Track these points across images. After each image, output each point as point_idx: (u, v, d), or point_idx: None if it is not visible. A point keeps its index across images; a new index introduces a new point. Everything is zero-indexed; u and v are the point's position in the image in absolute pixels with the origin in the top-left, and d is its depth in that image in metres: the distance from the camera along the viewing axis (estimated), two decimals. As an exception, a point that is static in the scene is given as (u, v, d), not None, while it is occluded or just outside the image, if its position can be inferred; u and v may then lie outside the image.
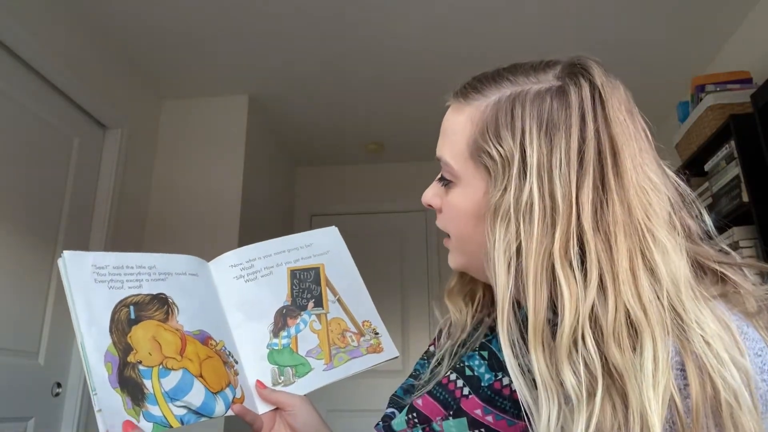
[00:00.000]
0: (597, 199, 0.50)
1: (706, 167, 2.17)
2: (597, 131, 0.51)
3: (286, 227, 3.62)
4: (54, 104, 2.25)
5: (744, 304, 0.51)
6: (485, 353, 0.56)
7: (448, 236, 0.63)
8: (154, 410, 0.65)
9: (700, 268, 0.53)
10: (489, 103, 0.56)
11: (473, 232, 0.57)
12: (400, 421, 0.56)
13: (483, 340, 0.59)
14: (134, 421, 0.63)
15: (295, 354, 0.81)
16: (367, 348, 0.84)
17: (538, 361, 0.47)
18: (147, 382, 0.67)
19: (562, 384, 0.46)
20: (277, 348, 0.80)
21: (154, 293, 0.74)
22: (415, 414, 0.55)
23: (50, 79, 2.19)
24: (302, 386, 0.79)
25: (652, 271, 0.48)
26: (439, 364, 0.66)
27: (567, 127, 0.51)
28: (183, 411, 0.67)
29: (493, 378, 0.53)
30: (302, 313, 0.84)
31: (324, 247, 0.91)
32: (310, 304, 0.85)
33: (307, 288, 0.86)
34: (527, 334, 0.49)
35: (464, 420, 0.51)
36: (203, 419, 0.69)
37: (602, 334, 0.46)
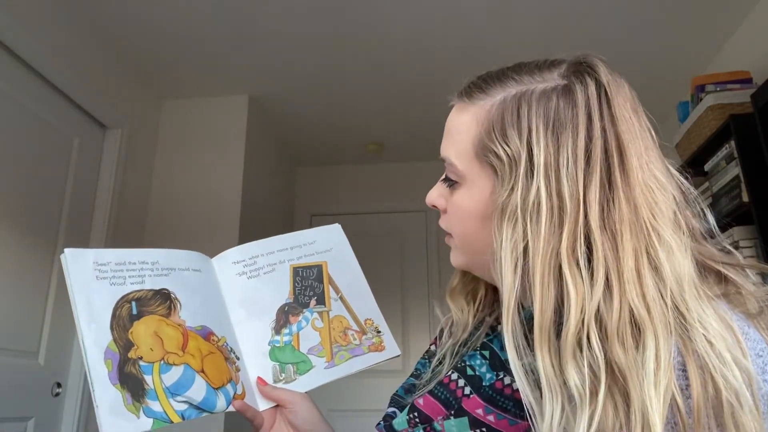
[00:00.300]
0: (604, 198, 0.50)
1: (706, 167, 2.17)
2: (603, 130, 0.51)
3: (286, 227, 3.62)
4: (54, 104, 2.25)
5: (745, 304, 0.51)
6: (486, 353, 0.56)
7: (451, 234, 0.63)
8: (155, 405, 0.65)
9: (703, 268, 0.52)
10: (494, 103, 0.56)
11: (478, 232, 0.57)
12: (401, 420, 0.56)
13: (484, 340, 0.59)
14: (134, 416, 0.64)
15: (297, 351, 0.81)
16: (369, 346, 0.84)
17: (543, 360, 0.47)
18: (148, 378, 0.67)
19: (565, 383, 0.46)
20: (278, 345, 0.80)
21: (157, 288, 0.74)
22: (416, 413, 0.55)
23: (50, 79, 2.19)
24: (303, 384, 0.79)
25: (656, 270, 0.48)
26: (441, 363, 0.66)
27: (574, 125, 0.51)
28: (184, 406, 0.67)
29: (495, 377, 0.53)
30: (304, 310, 0.84)
31: (327, 244, 0.91)
32: (313, 302, 0.85)
33: (309, 285, 0.86)
34: (530, 333, 0.49)
35: (465, 419, 0.51)
36: (204, 414, 0.69)
37: (606, 333, 0.46)
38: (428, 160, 3.58)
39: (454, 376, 0.55)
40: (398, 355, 0.84)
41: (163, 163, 2.92)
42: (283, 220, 3.60)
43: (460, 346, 0.65)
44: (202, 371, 0.71)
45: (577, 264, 0.48)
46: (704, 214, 0.56)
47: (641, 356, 0.45)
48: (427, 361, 0.69)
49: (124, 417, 0.63)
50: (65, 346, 2.23)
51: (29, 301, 2.07)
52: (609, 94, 0.52)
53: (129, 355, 0.67)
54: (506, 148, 0.53)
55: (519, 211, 0.51)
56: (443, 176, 0.62)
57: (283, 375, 0.78)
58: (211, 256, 0.85)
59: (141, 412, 0.64)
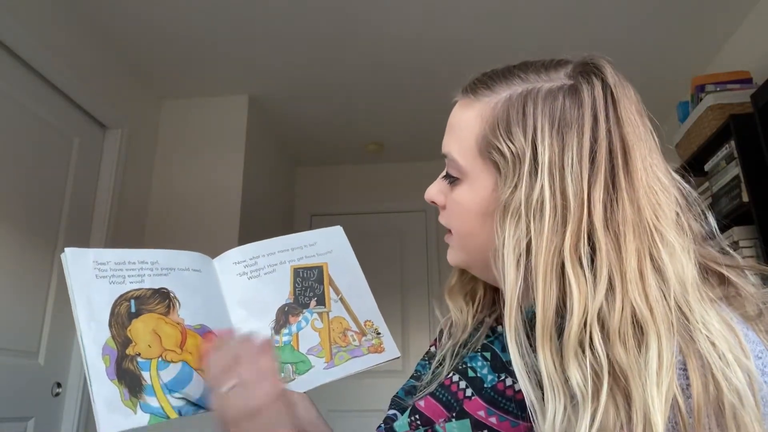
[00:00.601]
0: (607, 198, 0.50)
1: (706, 167, 2.17)
2: (609, 131, 0.51)
3: (286, 227, 3.62)
4: (54, 104, 2.25)
5: (744, 307, 0.51)
6: (487, 354, 0.55)
7: (450, 232, 0.62)
8: (152, 401, 0.66)
9: (704, 270, 0.53)
10: (500, 100, 0.55)
11: (478, 230, 0.57)
12: (402, 423, 0.55)
13: (485, 341, 0.59)
14: (131, 411, 0.64)
15: (296, 351, 0.81)
16: (369, 348, 0.84)
17: (545, 359, 0.47)
18: (145, 374, 0.67)
19: (567, 382, 0.46)
20: (278, 345, 0.81)
21: (156, 287, 0.75)
22: (417, 416, 0.55)
23: (50, 79, 2.19)
24: (302, 384, 0.79)
25: (659, 271, 0.48)
26: (441, 364, 0.65)
27: (579, 125, 0.51)
28: (181, 402, 0.68)
29: (496, 379, 0.53)
30: (304, 311, 0.84)
31: (328, 246, 0.91)
32: (313, 303, 0.85)
33: (309, 286, 0.87)
34: (532, 333, 0.49)
35: (467, 421, 0.51)
36: (201, 411, 0.69)
37: (608, 333, 0.46)
38: (428, 160, 3.57)
39: (455, 377, 0.55)
40: (398, 357, 0.84)
41: (163, 163, 2.92)
42: (283, 220, 3.60)
43: (460, 347, 0.65)
44: (200, 369, 0.71)
45: (581, 263, 0.48)
46: (705, 216, 0.56)
47: (644, 357, 0.45)
48: (427, 362, 0.69)
49: (121, 412, 0.64)
50: (65, 346, 2.23)
51: (29, 301, 2.07)
52: (615, 95, 0.52)
53: (127, 351, 0.68)
54: (510, 145, 0.53)
55: (522, 208, 0.51)
56: (444, 172, 0.62)
57: (282, 375, 0.78)
58: (212, 256, 0.85)
59: (138, 407, 0.65)
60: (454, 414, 0.52)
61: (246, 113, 2.95)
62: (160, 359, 0.69)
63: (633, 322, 0.46)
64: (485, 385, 0.53)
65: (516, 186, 0.52)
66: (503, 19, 2.37)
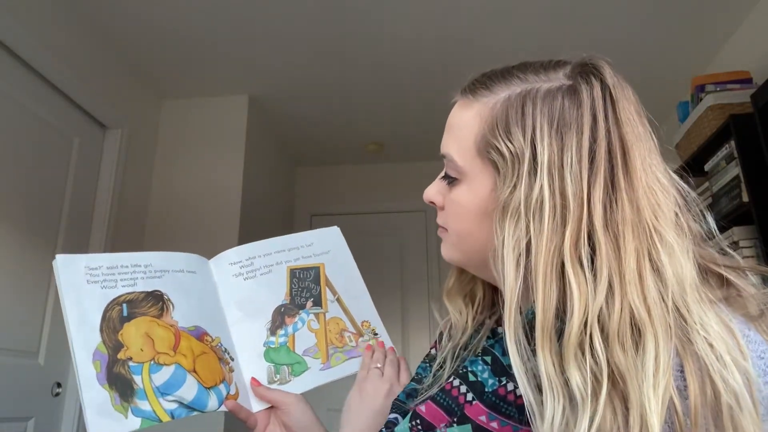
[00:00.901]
0: (607, 199, 0.50)
1: (706, 167, 2.17)
2: (608, 131, 0.51)
3: (286, 227, 3.62)
4: (54, 104, 2.25)
5: (746, 307, 0.51)
6: (488, 358, 0.55)
7: (445, 228, 0.62)
8: (143, 405, 0.66)
9: (704, 272, 0.52)
10: (498, 100, 0.55)
11: (476, 230, 0.57)
12: (403, 428, 0.55)
13: (486, 345, 0.59)
14: (122, 416, 0.64)
15: (292, 352, 0.81)
16: (365, 348, 0.84)
17: (544, 360, 0.46)
18: (137, 378, 0.67)
19: (567, 383, 0.46)
20: (273, 346, 0.80)
21: (149, 290, 0.74)
22: (418, 421, 0.54)
23: (50, 79, 2.19)
24: (298, 385, 0.79)
25: (658, 272, 0.48)
26: (441, 367, 0.65)
27: (578, 126, 0.51)
28: (174, 405, 0.68)
29: (497, 384, 0.53)
30: (300, 311, 0.84)
31: (325, 246, 0.91)
32: (309, 303, 0.85)
33: (306, 287, 0.86)
34: (531, 334, 0.48)
35: (469, 427, 0.51)
36: (195, 413, 0.69)
37: (607, 334, 0.46)
38: (428, 160, 3.57)
39: (456, 382, 0.55)
40: None
41: (163, 163, 2.92)
42: (283, 220, 3.60)
43: (460, 349, 0.65)
44: (194, 371, 0.71)
45: (581, 263, 0.48)
46: (704, 216, 0.56)
47: (641, 358, 0.44)
48: (427, 365, 0.69)
49: (112, 417, 0.64)
50: (65, 346, 2.21)
51: (29, 301, 2.07)
52: (614, 96, 0.52)
53: (118, 356, 0.68)
54: (509, 145, 0.53)
55: (522, 208, 0.51)
56: (442, 173, 0.62)
57: (278, 376, 0.78)
58: (211, 255, 0.85)
59: (129, 411, 0.65)
60: (455, 419, 0.52)
61: (246, 113, 2.95)
62: (152, 362, 0.69)
63: (631, 324, 0.46)
64: (486, 390, 0.53)
65: (515, 186, 0.52)
66: (503, 20, 2.37)
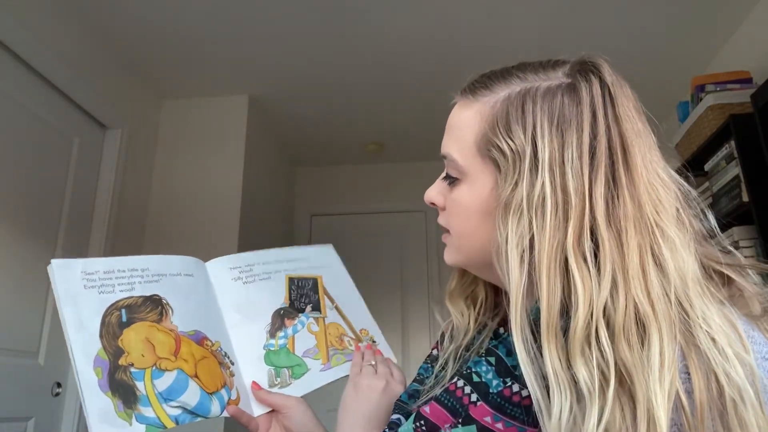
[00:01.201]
0: (608, 195, 0.50)
1: (706, 167, 2.17)
2: (608, 128, 0.52)
3: (286, 227, 3.62)
4: (54, 104, 2.25)
5: (748, 306, 0.51)
6: (492, 359, 0.55)
7: (448, 232, 0.62)
8: (147, 411, 0.65)
9: (706, 270, 0.52)
10: (499, 99, 0.56)
11: (477, 229, 0.57)
12: (407, 428, 0.55)
13: (489, 346, 0.59)
14: (126, 423, 0.63)
15: (292, 354, 0.80)
16: (356, 349, 0.84)
17: (551, 356, 0.46)
18: (139, 384, 0.66)
19: (573, 379, 0.46)
20: (273, 349, 0.80)
21: (147, 295, 0.74)
22: (422, 422, 0.54)
23: (50, 79, 2.19)
24: (299, 388, 0.78)
25: (660, 267, 0.48)
26: (443, 368, 0.65)
27: (579, 122, 0.52)
28: (178, 411, 0.67)
29: (502, 384, 0.52)
30: (300, 315, 0.84)
31: (321, 262, 0.92)
32: (308, 308, 0.85)
33: (305, 294, 0.86)
34: (537, 331, 0.48)
35: (473, 428, 0.51)
36: (199, 419, 0.69)
37: (613, 330, 0.46)
38: (428, 160, 3.57)
39: (460, 383, 0.55)
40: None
41: (163, 163, 2.92)
42: (283, 220, 3.60)
43: (462, 350, 0.65)
44: (196, 376, 0.71)
45: (584, 258, 0.48)
46: (704, 215, 0.56)
47: (646, 353, 0.44)
48: (429, 365, 0.69)
49: (116, 424, 0.63)
50: (65, 346, 2.22)
51: (29, 301, 2.07)
52: (613, 93, 0.53)
53: (119, 362, 0.67)
54: (510, 143, 0.53)
55: (524, 204, 0.51)
56: (443, 174, 0.62)
57: (279, 379, 0.78)
58: (211, 256, 0.85)
59: (133, 418, 0.64)
60: (459, 420, 0.52)
61: (246, 113, 2.94)
62: (154, 368, 0.68)
63: (636, 319, 0.46)
64: (491, 391, 0.53)
65: (516, 183, 0.52)
66: (503, 20, 2.37)
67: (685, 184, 0.55)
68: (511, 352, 0.53)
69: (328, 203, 3.84)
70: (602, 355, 0.45)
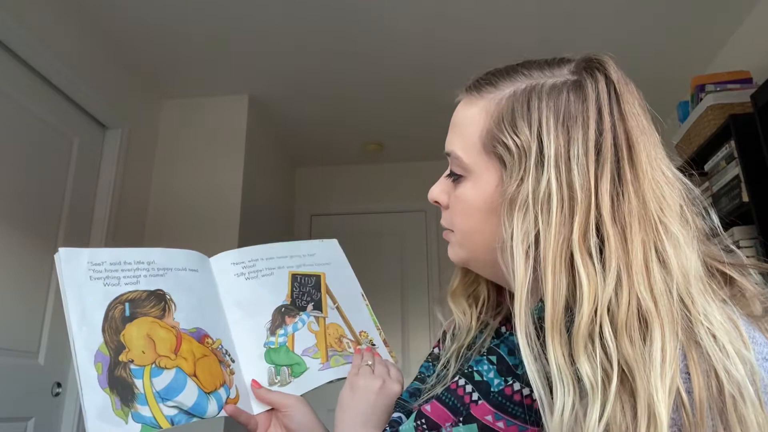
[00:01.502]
0: (614, 191, 0.50)
1: (706, 167, 2.17)
2: (613, 125, 0.52)
3: (286, 227, 3.62)
4: (54, 104, 2.25)
5: (749, 307, 0.51)
6: (494, 358, 0.55)
7: (450, 230, 0.62)
8: (144, 411, 0.65)
9: (709, 269, 0.52)
10: (504, 95, 0.56)
11: (481, 227, 0.57)
12: (408, 427, 0.55)
13: (491, 345, 0.59)
14: (123, 421, 0.63)
15: (291, 353, 0.80)
16: (355, 351, 0.84)
17: (554, 352, 0.47)
18: (138, 382, 0.66)
19: (577, 374, 0.46)
20: (273, 346, 0.80)
21: (152, 289, 0.73)
22: (424, 420, 0.54)
23: (50, 79, 2.19)
24: (298, 386, 0.78)
25: (664, 263, 0.48)
26: (445, 367, 0.65)
27: (584, 119, 0.52)
28: (174, 411, 0.67)
29: (503, 383, 0.52)
30: (301, 313, 0.84)
31: (326, 258, 0.92)
32: (310, 307, 0.85)
33: (307, 292, 0.86)
34: (541, 330, 0.49)
35: (475, 426, 0.51)
36: (195, 420, 0.68)
37: (616, 325, 0.46)
38: (428, 160, 3.57)
39: (462, 381, 0.55)
40: None
41: (163, 162, 2.92)
42: (283, 220, 3.60)
43: (464, 349, 0.65)
44: (195, 375, 0.70)
45: (590, 254, 0.48)
46: (707, 213, 0.56)
47: (648, 349, 0.45)
48: (430, 364, 0.69)
49: (112, 422, 0.63)
50: (65, 346, 2.23)
51: (29, 301, 2.07)
52: (618, 90, 0.53)
53: (120, 358, 0.67)
54: (516, 139, 0.53)
55: (530, 200, 0.51)
56: (447, 172, 0.62)
57: (278, 378, 0.78)
58: (211, 255, 0.85)
59: (129, 417, 0.64)
60: (461, 419, 0.52)
61: (246, 113, 2.95)
62: (153, 366, 0.68)
63: (638, 315, 0.46)
64: (492, 390, 0.52)
65: (522, 179, 0.52)
66: (504, 20, 2.37)
67: (689, 182, 0.55)
68: (512, 351, 0.53)
69: (328, 203, 3.84)
70: (605, 351, 0.45)
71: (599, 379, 0.45)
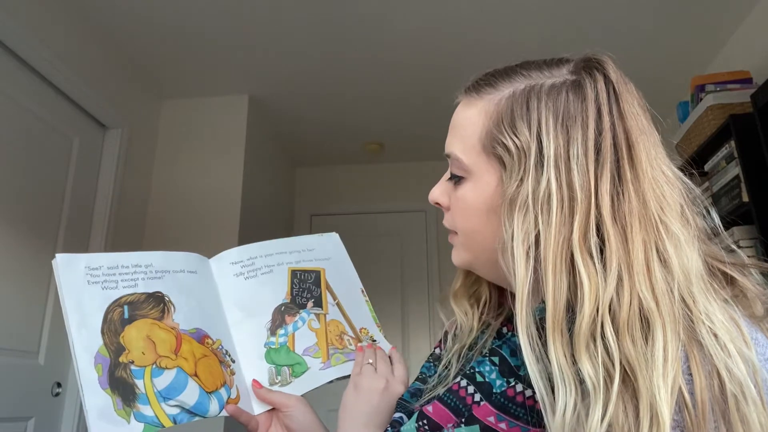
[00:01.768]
0: (613, 191, 0.50)
1: (706, 167, 2.17)
2: (613, 124, 0.52)
3: (286, 227, 3.62)
4: (54, 104, 2.25)
5: (751, 307, 0.51)
6: (496, 359, 0.55)
7: (455, 232, 0.62)
8: (146, 410, 0.65)
9: (710, 269, 0.52)
10: (503, 96, 0.56)
11: (483, 227, 0.57)
12: (410, 427, 0.55)
13: (493, 346, 0.59)
14: (125, 421, 0.63)
15: (292, 353, 0.80)
16: (358, 350, 0.83)
17: (556, 352, 0.47)
18: (139, 382, 0.66)
19: (579, 375, 0.46)
20: (273, 346, 0.80)
21: (150, 292, 0.74)
22: (425, 421, 0.54)
23: (50, 79, 2.19)
24: (299, 386, 0.78)
25: (665, 263, 0.48)
26: (447, 368, 0.65)
27: (584, 119, 0.52)
28: (176, 410, 0.67)
29: (505, 384, 0.52)
30: (301, 311, 0.84)
31: (326, 252, 0.91)
32: (310, 304, 0.85)
33: (307, 288, 0.86)
34: (542, 328, 0.49)
35: (477, 427, 0.51)
36: (197, 419, 0.68)
37: (617, 325, 0.46)
38: (428, 160, 3.58)
39: (464, 382, 0.55)
40: None
41: (163, 163, 2.92)
42: (283, 220, 3.60)
43: (466, 350, 0.65)
44: (195, 375, 0.70)
45: (590, 254, 0.48)
46: (708, 213, 0.56)
47: (650, 349, 0.45)
48: (432, 364, 0.69)
49: (114, 422, 0.63)
50: (65, 346, 2.23)
51: (29, 301, 2.07)
52: (618, 90, 0.53)
53: (120, 359, 0.67)
54: (515, 139, 0.53)
55: (530, 200, 0.51)
56: (447, 173, 0.62)
57: (279, 378, 0.78)
58: (211, 255, 0.85)
59: (131, 417, 0.64)
60: (463, 420, 0.52)
61: (246, 113, 2.95)
62: (154, 366, 0.68)
63: (640, 315, 0.46)
64: (494, 391, 0.52)
65: (522, 180, 0.52)
66: (504, 20, 2.37)
67: (689, 181, 0.55)
68: (514, 352, 0.53)
69: (328, 203, 3.84)
70: (607, 351, 0.45)
71: (601, 379, 0.44)
